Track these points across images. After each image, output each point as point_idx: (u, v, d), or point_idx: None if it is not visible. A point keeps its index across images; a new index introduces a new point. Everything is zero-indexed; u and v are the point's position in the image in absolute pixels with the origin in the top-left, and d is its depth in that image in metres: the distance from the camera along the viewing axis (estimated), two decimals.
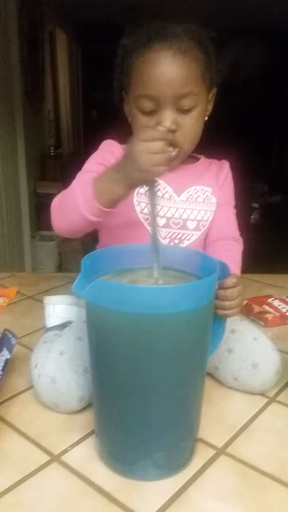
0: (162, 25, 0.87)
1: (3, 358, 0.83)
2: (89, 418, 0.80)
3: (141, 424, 0.68)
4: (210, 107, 0.95)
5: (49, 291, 1.34)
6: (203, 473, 0.71)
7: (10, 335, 0.88)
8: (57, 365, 0.82)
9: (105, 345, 0.66)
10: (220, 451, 0.75)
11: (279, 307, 1.23)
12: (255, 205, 4.57)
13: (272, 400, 0.88)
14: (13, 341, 0.88)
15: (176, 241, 0.97)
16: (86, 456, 0.74)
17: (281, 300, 1.27)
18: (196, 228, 0.98)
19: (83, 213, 0.77)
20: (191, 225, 0.97)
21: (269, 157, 5.61)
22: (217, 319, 0.76)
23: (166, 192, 0.97)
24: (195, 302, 0.63)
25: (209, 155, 1.06)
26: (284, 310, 1.21)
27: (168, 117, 0.86)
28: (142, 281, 0.72)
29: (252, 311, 1.22)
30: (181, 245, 0.97)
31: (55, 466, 0.72)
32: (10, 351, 0.85)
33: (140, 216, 0.95)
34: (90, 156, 0.97)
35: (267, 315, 1.18)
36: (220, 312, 0.76)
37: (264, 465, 0.73)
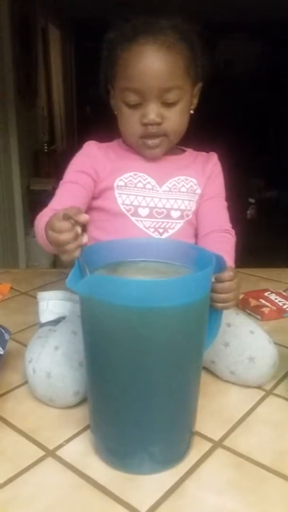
0: (148, 20, 0.88)
1: None
2: (84, 413, 0.79)
3: (137, 418, 0.67)
4: (195, 101, 0.97)
5: (43, 287, 1.33)
6: (199, 466, 0.70)
7: (3, 331, 0.87)
8: (52, 359, 0.81)
9: (99, 339, 0.66)
10: (217, 444, 0.75)
11: (276, 300, 1.23)
12: (251, 200, 4.58)
13: (269, 393, 0.88)
14: (6, 336, 0.87)
15: (160, 230, 0.96)
16: (82, 451, 0.73)
17: (278, 293, 1.26)
18: (180, 217, 0.97)
19: (44, 247, 0.81)
20: (174, 214, 0.97)
21: (265, 152, 5.61)
22: (213, 313, 0.76)
23: (148, 183, 0.97)
24: (190, 295, 0.63)
25: (205, 150, 1.06)
26: (280, 304, 1.21)
27: (152, 110, 0.88)
28: (136, 274, 0.71)
29: (248, 305, 1.21)
30: (165, 234, 0.96)
31: (50, 461, 0.71)
32: (3, 347, 0.85)
33: (122, 207, 0.96)
34: (73, 159, 0.99)
35: (264, 309, 1.18)
36: (218, 305, 0.76)
37: (261, 457, 0.72)
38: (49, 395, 0.82)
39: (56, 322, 0.97)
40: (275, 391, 0.88)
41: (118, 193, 0.96)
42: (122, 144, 1.00)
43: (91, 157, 0.97)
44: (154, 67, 0.86)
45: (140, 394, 0.66)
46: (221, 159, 1.06)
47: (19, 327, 1.10)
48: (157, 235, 0.95)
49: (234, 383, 0.89)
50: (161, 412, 0.68)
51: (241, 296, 1.25)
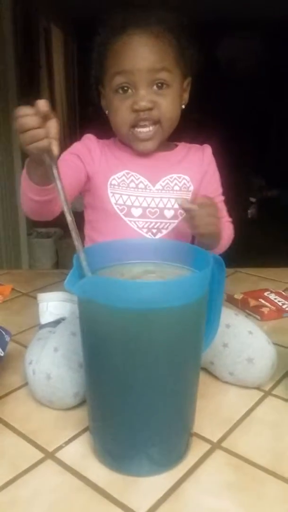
0: (137, 14, 0.89)
1: None
2: (84, 415, 0.79)
3: (135, 419, 0.67)
4: (186, 95, 0.98)
5: (44, 288, 1.34)
6: (198, 468, 0.71)
7: (3, 333, 0.87)
8: (52, 361, 0.82)
9: (97, 341, 0.66)
10: (216, 446, 0.75)
11: (275, 300, 1.23)
12: (252, 199, 4.57)
13: (267, 393, 0.88)
14: (7, 338, 0.88)
15: (154, 231, 0.97)
16: (81, 453, 0.73)
17: (277, 293, 1.26)
18: (174, 217, 0.97)
19: (28, 195, 0.81)
20: (168, 213, 0.97)
21: (266, 152, 5.59)
22: (211, 314, 0.76)
23: (141, 182, 0.97)
24: (189, 296, 0.63)
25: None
26: (280, 304, 1.21)
27: (143, 96, 0.89)
28: (135, 276, 0.72)
29: (248, 305, 1.21)
30: (159, 234, 0.97)
31: (50, 463, 0.72)
32: (3, 348, 0.85)
33: (115, 207, 0.96)
34: (71, 146, 1.00)
35: (263, 309, 1.18)
36: (193, 229, 0.79)
37: (260, 459, 0.72)
38: (49, 397, 0.82)
39: (56, 323, 0.98)
40: (274, 392, 0.88)
41: (111, 192, 0.96)
42: (118, 143, 1.01)
43: (87, 147, 0.98)
44: (143, 51, 0.88)
45: (138, 396, 0.66)
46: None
47: (20, 329, 1.10)
48: (150, 235, 0.96)
49: (233, 384, 0.89)
50: (159, 414, 0.68)
51: (240, 296, 1.25)
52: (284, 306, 1.20)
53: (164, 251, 0.76)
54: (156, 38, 0.88)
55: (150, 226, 0.96)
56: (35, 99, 0.66)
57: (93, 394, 0.71)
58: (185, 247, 0.78)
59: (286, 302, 1.22)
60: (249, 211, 4.50)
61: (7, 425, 0.80)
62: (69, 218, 0.66)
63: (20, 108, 0.66)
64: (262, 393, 0.88)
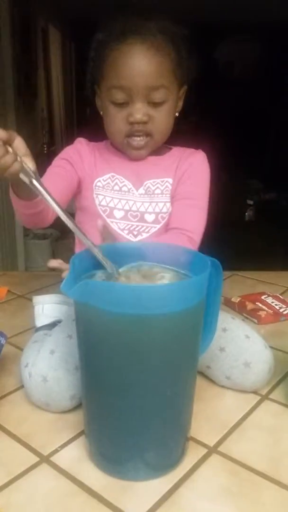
0: (137, 21, 0.89)
1: None
2: (80, 418, 0.79)
3: (131, 424, 0.67)
4: (180, 103, 0.98)
5: (40, 290, 1.33)
6: (194, 472, 0.70)
7: None
8: (48, 363, 0.81)
9: (94, 344, 0.65)
10: (212, 450, 0.75)
11: (273, 304, 1.22)
12: (250, 202, 4.57)
13: (264, 398, 0.87)
14: (2, 341, 0.87)
15: (135, 233, 0.98)
16: (76, 457, 0.73)
17: (274, 297, 1.26)
18: (155, 221, 0.98)
19: (19, 210, 0.84)
20: (149, 218, 0.98)
21: (264, 154, 5.60)
22: (209, 317, 0.75)
23: (124, 185, 0.98)
24: (186, 301, 0.63)
25: (204, 153, 1.05)
26: (277, 307, 1.21)
27: (139, 109, 0.90)
28: (131, 279, 0.71)
29: (245, 309, 1.21)
30: (139, 237, 0.98)
31: (45, 467, 0.71)
32: None
33: (99, 208, 0.98)
34: (62, 150, 1.03)
35: (260, 313, 1.18)
36: None
37: (256, 463, 0.72)
38: (45, 399, 0.81)
39: (51, 326, 0.97)
40: (271, 396, 0.88)
41: (96, 193, 0.98)
42: (109, 146, 1.02)
43: (78, 151, 1.00)
44: (142, 65, 0.87)
45: (134, 400, 0.66)
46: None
47: (16, 331, 1.09)
48: (131, 237, 0.97)
49: (229, 388, 0.89)
50: (155, 418, 0.67)
51: (237, 300, 1.24)
52: (281, 310, 1.20)
53: (160, 254, 0.76)
54: (156, 51, 0.87)
55: (131, 229, 0.97)
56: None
57: (89, 398, 0.71)
58: (182, 251, 0.77)
59: (283, 305, 1.21)
60: (246, 213, 4.49)
61: (1, 428, 0.79)
62: (70, 224, 0.69)
63: None
64: (259, 397, 0.87)
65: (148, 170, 0.99)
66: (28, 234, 3.33)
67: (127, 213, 0.97)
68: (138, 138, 0.94)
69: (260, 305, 1.21)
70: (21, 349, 0.94)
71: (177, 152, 1.03)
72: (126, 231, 0.97)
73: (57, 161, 0.99)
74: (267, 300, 1.24)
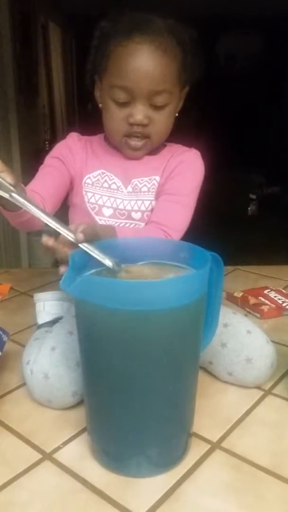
0: (146, 18, 0.87)
1: None
2: (82, 415, 0.79)
3: (133, 420, 0.67)
4: (181, 103, 0.97)
5: (43, 287, 1.33)
6: (197, 468, 0.70)
7: (1, 333, 0.87)
8: (49, 360, 0.81)
9: (94, 341, 0.65)
10: (215, 446, 0.74)
11: (275, 298, 1.22)
12: (252, 196, 4.55)
13: (267, 393, 0.87)
14: (4, 338, 0.87)
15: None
16: (79, 454, 0.73)
17: (277, 291, 1.26)
18: (141, 219, 0.98)
19: (9, 220, 0.86)
20: (135, 216, 0.98)
21: (266, 148, 5.58)
22: (210, 313, 0.75)
23: (114, 183, 0.98)
24: (187, 296, 0.62)
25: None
26: (280, 302, 1.20)
27: (140, 111, 0.89)
28: (130, 275, 0.71)
29: (248, 303, 1.21)
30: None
31: (47, 464, 0.71)
32: (0, 348, 0.84)
33: (88, 205, 0.98)
34: (54, 146, 1.03)
35: (263, 307, 1.17)
36: None
37: (260, 459, 0.72)
38: (47, 396, 0.81)
39: (53, 323, 0.97)
40: (274, 391, 0.87)
41: (85, 190, 0.98)
42: (102, 141, 1.02)
43: (69, 147, 1.00)
44: (148, 68, 0.86)
45: (136, 396, 0.66)
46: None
47: (18, 328, 1.09)
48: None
49: (232, 384, 0.89)
50: (157, 414, 0.67)
51: (240, 294, 1.24)
52: (284, 304, 1.19)
53: (160, 249, 0.75)
54: (163, 53, 0.86)
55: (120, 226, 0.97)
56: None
57: (90, 394, 0.70)
58: (182, 245, 0.77)
59: (286, 300, 1.21)
60: (249, 208, 4.48)
61: (4, 425, 0.79)
62: (61, 230, 0.70)
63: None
64: (262, 392, 0.87)
65: (137, 168, 0.98)
66: (31, 232, 3.32)
67: (115, 211, 0.97)
68: (136, 139, 0.93)
69: (263, 299, 1.21)
70: (24, 346, 0.94)
71: (169, 150, 1.01)
72: None
73: (48, 160, 1.00)
74: (270, 295, 1.23)
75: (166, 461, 0.70)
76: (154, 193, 0.97)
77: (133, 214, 0.97)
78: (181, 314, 0.63)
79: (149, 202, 0.97)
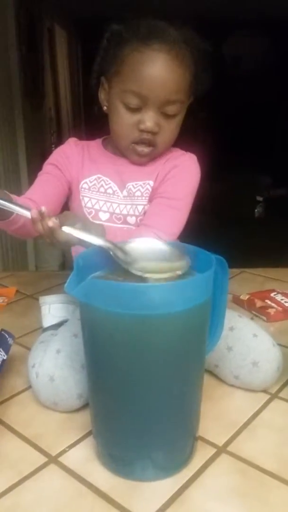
0: (163, 26, 0.87)
1: None
2: (87, 418, 0.78)
3: (139, 424, 0.66)
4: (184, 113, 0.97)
5: (49, 290, 1.33)
6: (203, 472, 0.70)
7: (6, 336, 0.87)
8: (55, 363, 0.81)
9: (99, 344, 0.65)
10: (221, 450, 0.74)
11: (282, 301, 1.21)
12: (259, 198, 4.54)
13: (274, 396, 0.86)
14: (10, 341, 0.87)
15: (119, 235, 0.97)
16: (84, 457, 0.73)
17: (284, 294, 1.25)
18: (136, 224, 0.97)
19: (4, 229, 0.87)
20: (131, 220, 0.97)
21: (272, 150, 5.57)
22: (215, 316, 0.74)
23: (110, 187, 0.98)
24: (191, 300, 0.62)
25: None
26: (286, 305, 1.19)
27: (151, 118, 0.89)
28: (136, 278, 0.70)
29: (254, 306, 1.20)
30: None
31: (53, 468, 0.71)
32: (6, 352, 0.85)
33: (85, 210, 0.98)
34: (52, 152, 1.04)
35: (270, 310, 1.17)
36: None
37: (266, 463, 0.71)
38: (53, 399, 0.81)
39: (58, 326, 0.97)
40: (281, 395, 0.87)
41: (82, 195, 0.98)
42: (100, 146, 1.02)
43: (65, 154, 1.00)
44: (165, 76, 0.86)
45: (141, 400, 0.65)
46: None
47: (24, 331, 1.10)
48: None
49: (238, 387, 0.88)
50: (163, 418, 0.67)
51: (246, 297, 1.23)
52: None
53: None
54: (180, 63, 0.86)
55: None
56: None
57: (96, 398, 0.70)
58: (186, 248, 0.77)
59: None
60: (256, 210, 4.47)
61: (10, 428, 0.79)
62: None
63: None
64: (268, 396, 0.86)
65: (132, 173, 0.97)
66: None
67: (112, 216, 0.97)
68: (144, 145, 0.93)
69: (269, 302, 1.20)
70: (29, 349, 0.94)
71: (164, 155, 0.99)
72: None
73: (46, 167, 1.00)
74: (276, 298, 1.23)
75: (172, 465, 0.70)
76: (147, 198, 0.96)
77: (129, 219, 0.97)
78: (186, 317, 0.63)
79: (142, 206, 0.96)
